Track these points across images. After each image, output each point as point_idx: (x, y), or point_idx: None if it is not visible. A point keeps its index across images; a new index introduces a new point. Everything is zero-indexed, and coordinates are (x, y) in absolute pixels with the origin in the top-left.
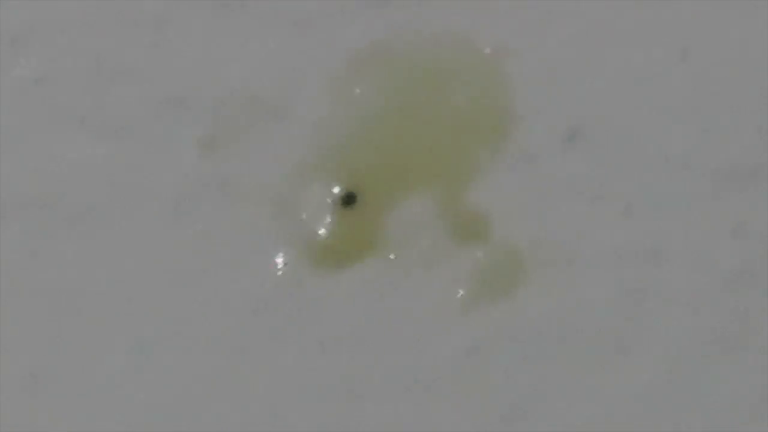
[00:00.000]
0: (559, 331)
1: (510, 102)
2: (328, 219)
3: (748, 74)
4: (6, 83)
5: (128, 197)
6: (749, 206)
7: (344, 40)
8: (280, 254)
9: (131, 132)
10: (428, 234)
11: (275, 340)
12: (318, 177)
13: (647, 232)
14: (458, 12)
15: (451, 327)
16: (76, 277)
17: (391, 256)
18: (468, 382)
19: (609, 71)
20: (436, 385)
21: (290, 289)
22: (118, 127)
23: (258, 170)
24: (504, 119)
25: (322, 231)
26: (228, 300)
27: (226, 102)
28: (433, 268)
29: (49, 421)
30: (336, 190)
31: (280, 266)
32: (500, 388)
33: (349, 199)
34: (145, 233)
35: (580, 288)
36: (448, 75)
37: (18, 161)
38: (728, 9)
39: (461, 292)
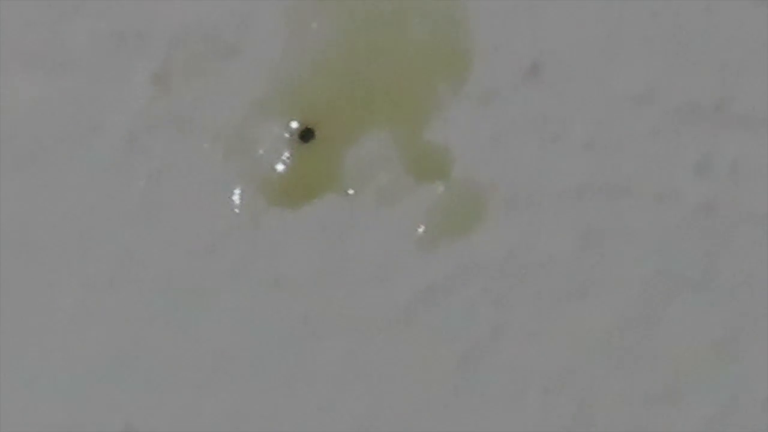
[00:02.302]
0: (519, 270)
1: (470, 37)
2: (286, 155)
3: (711, 9)
4: None
5: (81, 134)
6: (712, 142)
7: None
8: (237, 191)
9: (84, 68)
10: (387, 170)
11: (232, 278)
12: (275, 112)
13: (609, 169)
14: None
15: (409, 265)
16: (28, 216)
17: (350, 192)
18: (426, 320)
19: (570, 5)
20: (394, 323)
21: (247, 226)
22: (70, 63)
23: (214, 106)
24: (464, 54)
25: (279, 167)
26: (184, 238)
27: (181, 37)
28: (391, 204)
29: (1, 361)
30: (294, 125)
31: (236, 203)
32: (458, 327)
33: (306, 135)
34: (98, 171)
35: (541, 226)
36: (407, 9)
37: None
38: None
39: (420, 229)
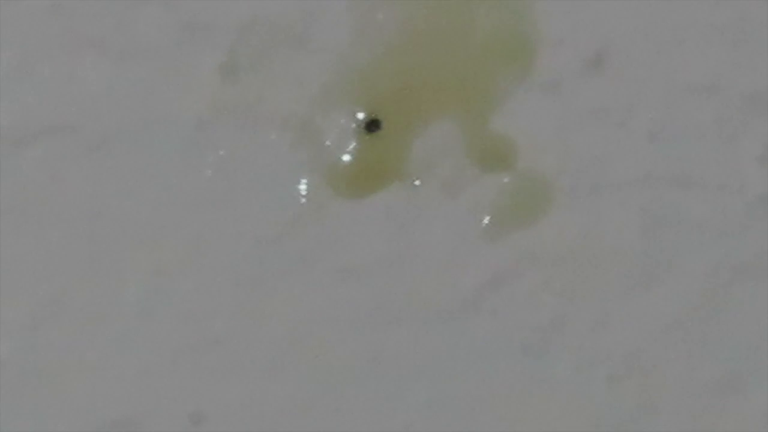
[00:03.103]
0: (584, 259)
1: (535, 27)
2: (352, 145)
3: None
4: (25, 11)
5: (149, 123)
6: None
7: None
8: (304, 181)
9: (153, 57)
10: (453, 160)
11: (298, 267)
12: (342, 103)
13: (673, 158)
14: None
15: (475, 254)
16: (98, 203)
17: (416, 183)
18: (491, 310)
19: None
20: (459, 312)
21: (313, 216)
22: (140, 53)
23: (281, 96)
24: (529, 44)
25: (345, 157)
26: (251, 227)
27: (250, 28)
28: (457, 194)
29: (69, 348)
30: (360, 115)
31: (303, 193)
32: (523, 316)
33: (373, 125)
34: (166, 159)
35: (605, 215)
36: None
37: (39, 88)
38: None
39: (486, 218)
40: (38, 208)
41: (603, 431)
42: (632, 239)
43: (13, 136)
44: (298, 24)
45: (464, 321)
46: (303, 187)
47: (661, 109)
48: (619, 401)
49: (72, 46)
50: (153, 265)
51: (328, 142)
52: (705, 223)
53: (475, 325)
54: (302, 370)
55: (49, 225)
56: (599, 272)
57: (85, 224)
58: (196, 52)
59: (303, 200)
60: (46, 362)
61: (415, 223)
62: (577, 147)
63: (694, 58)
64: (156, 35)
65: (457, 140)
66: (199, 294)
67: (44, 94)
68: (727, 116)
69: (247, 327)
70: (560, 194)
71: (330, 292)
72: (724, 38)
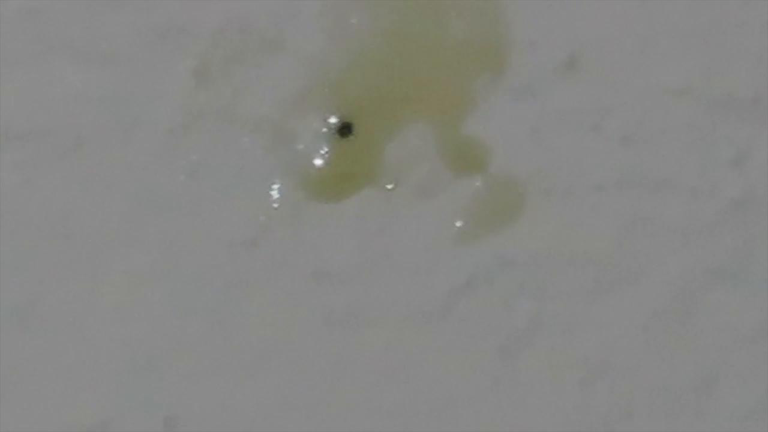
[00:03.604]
0: (558, 263)
1: (508, 29)
2: (325, 149)
3: (749, 3)
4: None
5: (123, 127)
6: (749, 135)
7: None
8: (276, 185)
9: (126, 61)
10: (426, 164)
11: (271, 271)
12: (314, 107)
13: (646, 161)
14: None
15: (449, 258)
16: (70, 207)
17: (389, 187)
18: (465, 313)
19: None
20: (433, 316)
21: (286, 220)
22: (112, 57)
23: (254, 100)
24: (502, 47)
25: (318, 161)
26: (224, 231)
27: (221, 32)
28: (430, 198)
29: (42, 352)
30: (332, 120)
31: (275, 197)
32: (498, 319)
33: (345, 129)
34: (140, 164)
35: (579, 218)
36: (445, 3)
37: (11, 92)
38: None
39: (459, 222)
40: (12, 211)
41: None
42: (606, 242)
43: None
44: (271, 28)
45: (438, 324)
46: (276, 191)
47: (635, 112)
48: (593, 403)
49: (45, 51)
50: (127, 269)
51: (301, 146)
52: (679, 226)
53: (450, 328)
54: (277, 373)
55: (22, 229)
56: (573, 275)
57: (58, 228)
58: (170, 56)
59: (276, 204)
60: (20, 366)
61: (389, 226)
62: (550, 150)
63: (668, 61)
64: (129, 40)
65: (430, 144)
66: (173, 298)
67: (17, 98)
68: (701, 120)
69: (222, 331)
70: (533, 197)
71: (303, 296)
72: (698, 41)
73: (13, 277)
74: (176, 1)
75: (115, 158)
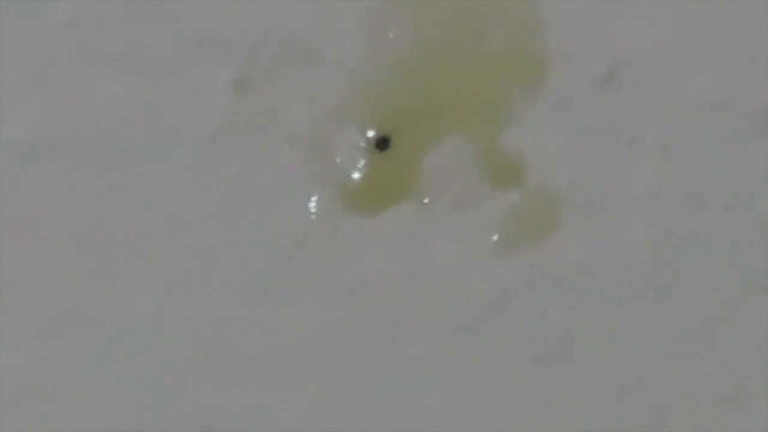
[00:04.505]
0: (595, 276)
1: (546, 43)
2: (362, 163)
3: None
4: (41, 24)
5: (161, 139)
6: None
7: None
8: (314, 198)
9: (165, 73)
10: (463, 178)
11: (308, 283)
12: (352, 120)
13: (683, 175)
14: None
15: (485, 271)
16: (110, 217)
17: (425, 200)
18: (502, 326)
19: (647, 11)
20: (470, 328)
21: (324, 232)
22: (152, 68)
23: (292, 113)
24: (540, 61)
25: (355, 175)
26: (261, 244)
27: (261, 44)
28: (467, 212)
29: (80, 362)
30: (370, 133)
31: (313, 210)
32: (534, 331)
33: (383, 143)
34: (178, 175)
35: (616, 232)
36: (483, 16)
37: (52, 102)
38: None
39: (495, 236)
40: (51, 221)
41: None
42: (642, 255)
43: (27, 149)
44: (310, 41)
45: (475, 337)
46: (314, 203)
47: (672, 126)
48: (628, 415)
49: (86, 61)
50: (165, 279)
51: (338, 159)
52: (714, 240)
53: (486, 340)
54: (313, 384)
55: (60, 238)
56: (609, 288)
57: (96, 238)
58: (209, 67)
59: (313, 217)
60: (57, 375)
61: (426, 239)
62: (587, 164)
63: (705, 75)
64: (169, 51)
65: (468, 157)
66: (210, 308)
67: (58, 107)
68: (738, 133)
69: (259, 341)
70: (570, 211)
71: (340, 309)
72: (735, 55)
73: (51, 285)
74: (216, 12)
75: (154, 168)
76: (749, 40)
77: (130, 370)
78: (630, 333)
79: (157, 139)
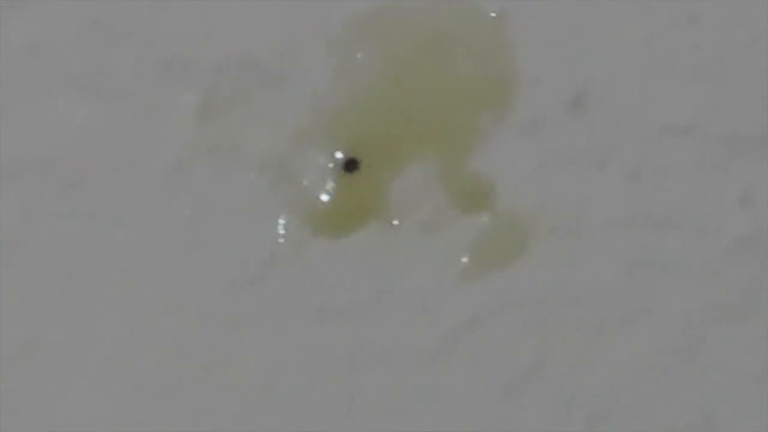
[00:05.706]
0: (563, 300)
1: (514, 67)
2: (330, 185)
3: (756, 41)
4: (4, 48)
5: (125, 162)
6: (756, 174)
7: (345, 3)
8: (281, 221)
9: (128, 96)
10: (431, 200)
11: (276, 307)
12: (319, 142)
13: (652, 200)
14: None
15: (453, 295)
16: (74, 242)
17: (394, 223)
18: (470, 350)
19: (614, 36)
20: (438, 353)
21: (291, 256)
22: (115, 92)
23: (258, 136)
24: (508, 84)
25: (324, 197)
26: (229, 267)
27: (226, 67)
28: (436, 234)
29: (43, 388)
30: (338, 155)
31: (281, 233)
32: (503, 357)
33: (351, 165)
34: (142, 198)
35: (584, 256)
36: (451, 39)
37: (14, 126)
38: None
39: (464, 259)
40: (13, 247)
41: None
42: (611, 281)
43: None
44: (276, 63)
45: (443, 362)
46: (281, 227)
47: (641, 151)
48: None
49: (49, 85)
50: (129, 305)
51: (305, 182)
52: (684, 265)
53: (454, 365)
54: (280, 411)
55: (23, 264)
56: (578, 313)
57: (60, 264)
58: (173, 91)
59: (281, 240)
60: (21, 403)
61: (394, 263)
62: (555, 187)
63: (674, 99)
64: (133, 75)
65: (436, 180)
66: (176, 334)
67: (20, 132)
68: (707, 158)
69: (224, 368)
70: (539, 235)
71: (308, 333)
72: (704, 80)
73: (14, 313)
74: (179, 36)
75: (119, 193)
76: (717, 64)
77: (95, 399)
78: (599, 359)
79: (120, 164)
